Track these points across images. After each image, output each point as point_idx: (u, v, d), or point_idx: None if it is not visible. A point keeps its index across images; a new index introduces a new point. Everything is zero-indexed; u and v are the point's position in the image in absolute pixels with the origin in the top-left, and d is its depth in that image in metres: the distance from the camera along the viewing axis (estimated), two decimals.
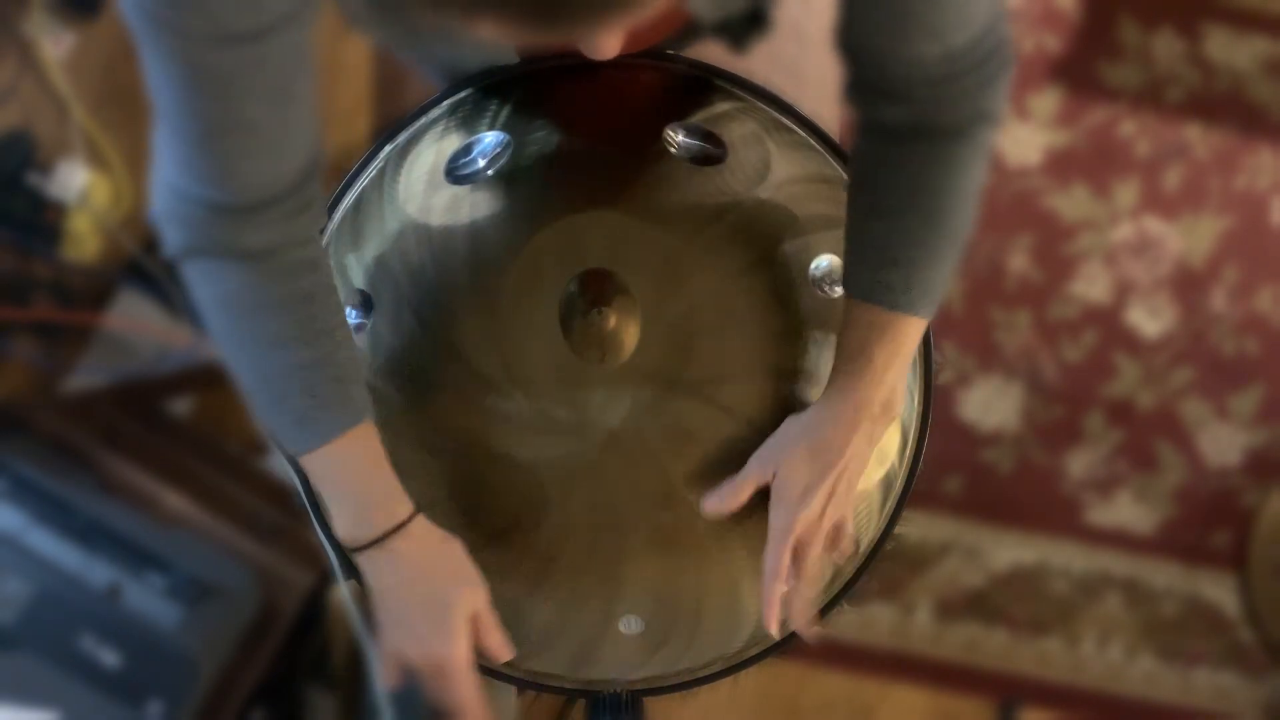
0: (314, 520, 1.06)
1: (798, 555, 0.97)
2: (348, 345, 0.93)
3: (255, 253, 0.88)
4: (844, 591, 1.06)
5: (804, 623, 1.00)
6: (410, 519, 0.94)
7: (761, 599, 0.98)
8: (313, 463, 0.93)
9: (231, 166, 0.85)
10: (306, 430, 0.92)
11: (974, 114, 0.91)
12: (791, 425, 0.97)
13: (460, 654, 0.95)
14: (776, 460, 0.97)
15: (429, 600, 0.95)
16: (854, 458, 0.96)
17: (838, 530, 0.99)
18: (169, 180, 0.88)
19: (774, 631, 0.99)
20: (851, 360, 0.95)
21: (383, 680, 0.98)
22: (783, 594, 0.97)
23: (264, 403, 0.92)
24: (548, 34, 0.63)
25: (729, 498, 0.98)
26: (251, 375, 0.92)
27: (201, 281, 0.90)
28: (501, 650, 0.98)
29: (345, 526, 0.94)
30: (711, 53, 1.11)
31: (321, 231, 0.96)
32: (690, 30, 1.13)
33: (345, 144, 2.08)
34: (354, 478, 0.94)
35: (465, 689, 0.96)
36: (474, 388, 0.99)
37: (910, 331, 0.95)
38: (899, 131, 0.92)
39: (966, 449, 2.26)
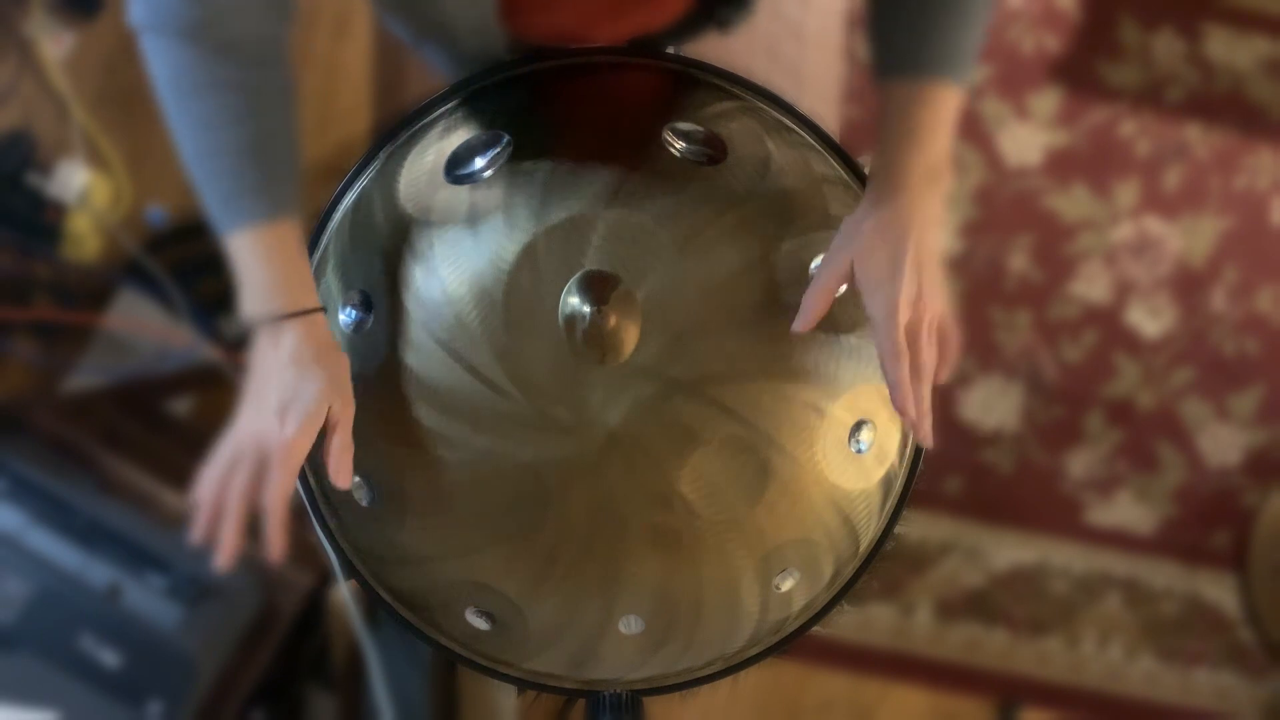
0: (314, 520, 1.06)
1: (909, 339, 0.95)
2: (282, 145, 0.96)
3: (206, 33, 0.92)
4: (844, 591, 1.06)
5: (927, 423, 0.96)
6: (312, 312, 0.96)
7: (890, 391, 0.94)
8: (234, 245, 0.96)
9: None
10: (230, 210, 0.95)
11: None
12: (849, 221, 0.97)
13: (293, 444, 0.93)
14: (848, 251, 0.96)
15: (294, 387, 0.94)
16: (926, 224, 0.95)
17: (943, 332, 0.97)
18: None
19: (911, 412, 0.95)
20: (895, 138, 0.95)
21: (207, 464, 0.96)
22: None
23: (198, 179, 0.96)
24: None
25: (813, 308, 0.96)
26: (190, 148, 0.96)
27: (156, 58, 0.95)
28: (339, 470, 0.96)
29: (250, 302, 0.96)
30: (712, 52, 1.11)
31: (285, 82, 0.98)
32: (687, 21, 1.13)
33: (345, 144, 2.08)
34: (270, 262, 0.96)
35: (281, 483, 0.94)
36: (474, 388, 0.99)
37: (948, 99, 0.95)
38: None
39: (966, 449, 2.26)
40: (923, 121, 0.95)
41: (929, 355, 0.96)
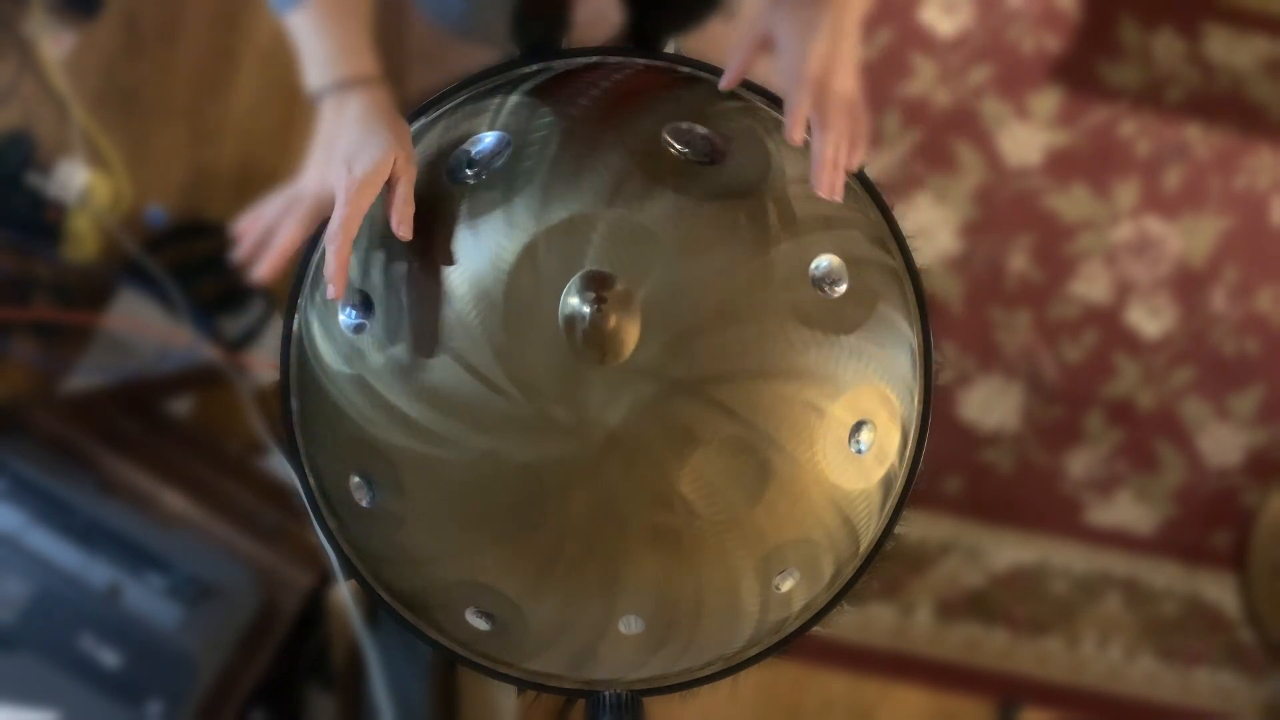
0: (314, 520, 1.06)
1: (820, 99, 0.98)
2: None
3: None
4: (844, 591, 1.06)
5: (827, 175, 0.99)
6: (375, 80, 0.98)
7: (787, 119, 0.98)
8: (294, 22, 0.97)
9: None
10: None
11: None
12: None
13: (362, 181, 0.95)
14: (770, 17, 0.99)
15: (360, 140, 0.96)
16: (851, 11, 0.98)
17: (853, 110, 0.99)
18: None
19: (799, 136, 0.98)
20: None
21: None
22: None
23: None
24: None
25: (735, 69, 1.00)
26: None
27: None
28: (403, 223, 0.97)
29: (314, 73, 0.97)
30: (712, 52, 1.11)
31: None
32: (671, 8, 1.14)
33: None
34: (329, 33, 0.97)
35: (346, 215, 0.95)
36: (473, 388, 0.99)
37: None
38: None
39: (966, 449, 2.26)
40: None
41: (830, 114, 0.99)
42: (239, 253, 0.98)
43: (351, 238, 0.96)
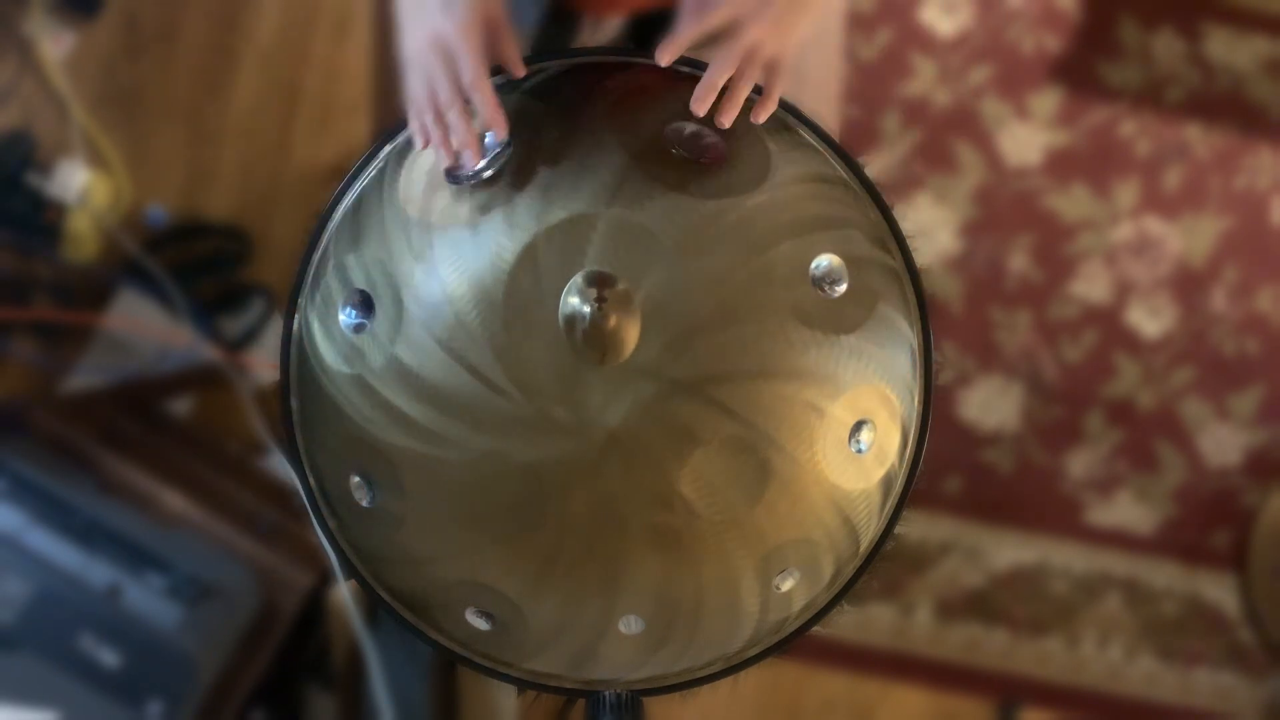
0: (314, 520, 1.06)
1: (729, 33, 0.97)
2: None
3: None
4: (844, 591, 1.06)
5: (708, 98, 0.97)
6: None
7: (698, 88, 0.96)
8: None
9: None
10: None
11: None
12: None
13: (467, 23, 0.95)
14: None
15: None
16: None
17: (770, 66, 0.99)
18: None
19: (700, 112, 0.98)
20: None
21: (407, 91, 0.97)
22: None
23: None
24: None
25: (673, 48, 0.98)
26: None
27: None
28: (515, 62, 0.97)
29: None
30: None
31: None
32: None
33: (345, 139, 2.08)
34: None
35: (473, 65, 0.95)
36: (473, 388, 0.99)
37: None
38: None
39: (966, 449, 2.26)
40: None
41: (742, 65, 0.98)
42: (441, 153, 0.97)
43: (488, 78, 0.96)
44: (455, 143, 0.97)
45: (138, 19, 2.19)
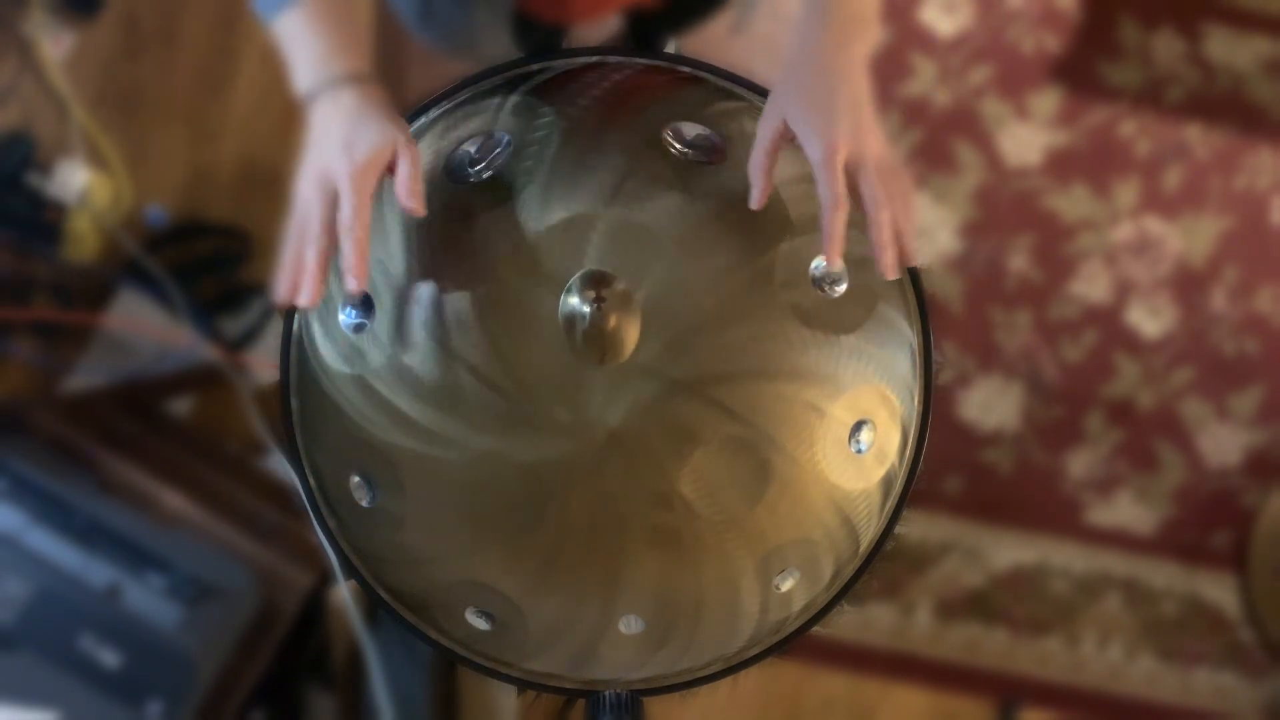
0: (314, 520, 1.06)
1: (851, 176, 0.92)
2: None
3: None
4: (844, 591, 1.06)
5: (888, 253, 0.92)
6: (368, 78, 0.95)
7: (824, 240, 0.91)
8: (282, 27, 0.95)
9: None
10: None
11: None
12: (782, 76, 0.95)
13: (364, 165, 0.92)
14: (782, 106, 0.93)
15: (356, 127, 0.93)
16: (854, 67, 0.93)
17: (891, 172, 0.93)
18: None
19: (836, 264, 0.93)
20: None
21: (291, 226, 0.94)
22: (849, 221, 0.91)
23: None
24: None
25: (761, 177, 0.92)
26: None
27: None
28: (414, 196, 0.93)
29: (303, 78, 0.94)
30: (712, 52, 1.11)
31: None
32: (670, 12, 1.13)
33: None
34: (320, 33, 0.95)
35: (354, 204, 0.92)
36: (473, 388, 0.99)
37: None
38: None
39: (966, 449, 2.26)
40: None
41: (877, 188, 0.93)
42: (280, 294, 0.93)
43: (367, 225, 0.93)
44: (306, 282, 0.93)
45: (138, 19, 2.19)
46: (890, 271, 0.93)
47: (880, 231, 0.92)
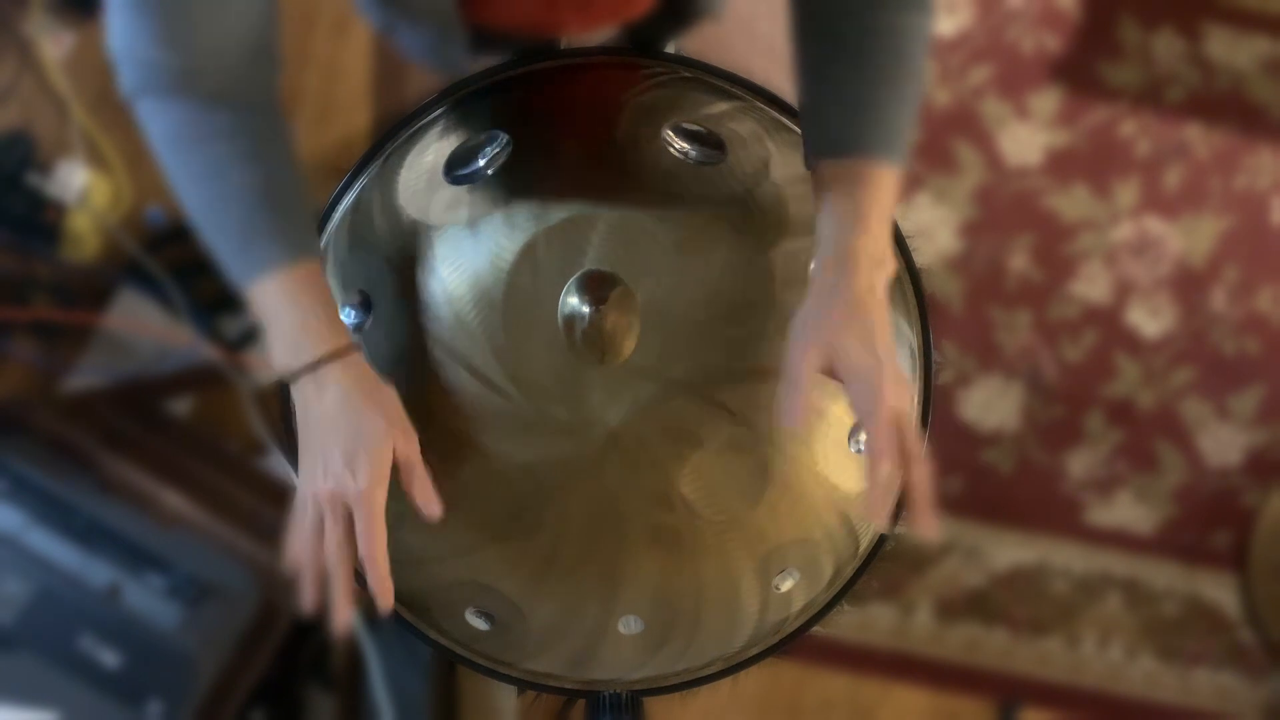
0: None
1: (900, 428, 0.91)
2: (291, 187, 0.94)
3: (198, 82, 0.91)
4: (844, 591, 1.06)
5: (930, 510, 0.93)
6: (348, 351, 0.93)
7: (869, 491, 0.91)
8: (256, 294, 0.93)
9: (179, 19, 0.88)
10: (248, 258, 0.93)
11: None
12: (803, 313, 0.93)
13: (373, 492, 0.91)
14: (816, 342, 0.92)
15: (353, 434, 0.91)
16: (882, 311, 0.93)
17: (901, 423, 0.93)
18: (123, 41, 0.92)
19: (885, 525, 0.92)
20: (840, 222, 0.92)
21: (293, 530, 0.93)
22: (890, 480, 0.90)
23: (209, 230, 0.94)
24: None
25: (795, 399, 0.92)
26: (197, 203, 0.94)
27: (153, 121, 0.94)
28: (429, 503, 0.94)
29: (281, 354, 0.93)
30: (712, 53, 1.11)
31: (282, 129, 0.96)
32: (666, 14, 1.13)
33: (345, 139, 2.08)
34: (295, 307, 0.93)
35: (372, 534, 0.91)
36: (474, 388, 0.99)
37: (887, 182, 0.93)
38: None
39: (966, 449, 2.26)
40: (868, 204, 0.92)
41: (916, 440, 0.93)
42: (305, 604, 0.92)
43: (384, 548, 0.92)
44: (338, 612, 0.92)
45: None
46: (874, 515, 0.92)
47: (876, 483, 0.91)
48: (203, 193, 0.93)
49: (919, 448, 0.93)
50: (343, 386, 0.92)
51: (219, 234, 0.94)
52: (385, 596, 0.92)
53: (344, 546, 0.92)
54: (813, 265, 0.94)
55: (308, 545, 0.92)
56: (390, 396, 0.94)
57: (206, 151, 0.92)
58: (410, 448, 0.93)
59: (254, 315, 0.95)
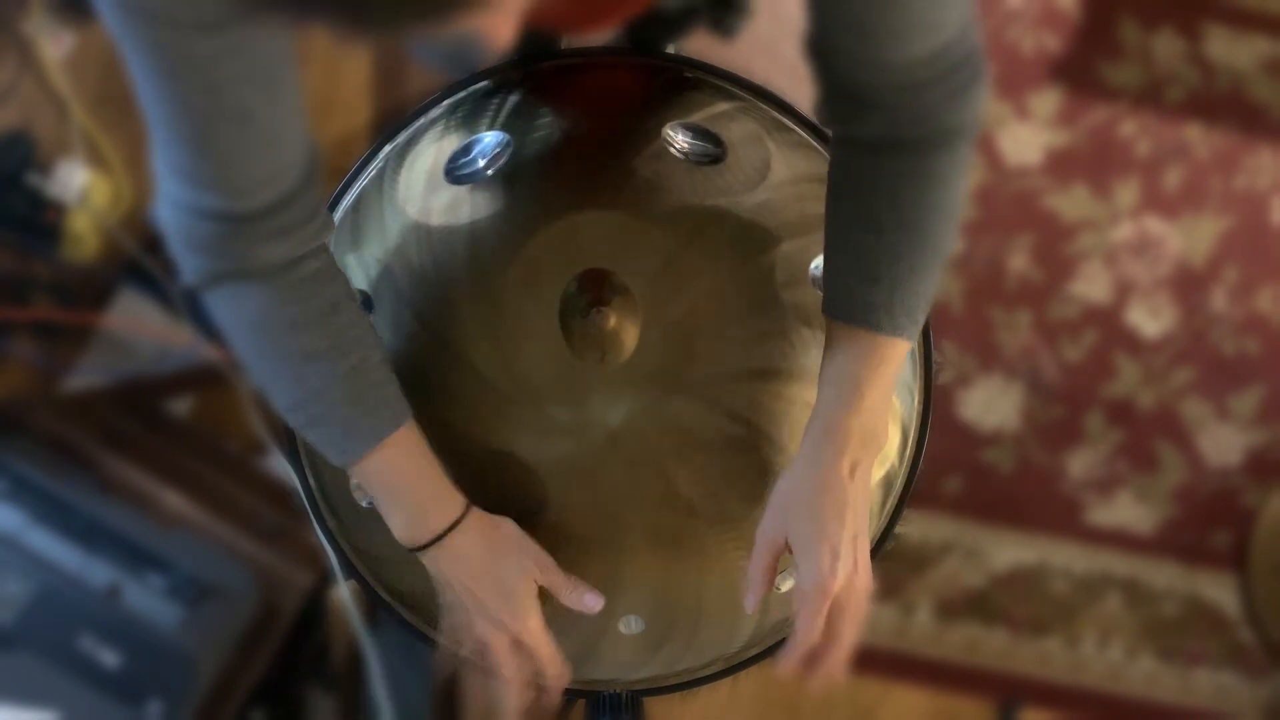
0: (314, 520, 1.06)
1: (833, 615, 0.93)
2: (378, 349, 0.94)
3: (275, 268, 0.88)
4: None
5: (839, 668, 0.96)
6: (464, 515, 0.96)
7: (788, 653, 0.94)
8: (364, 470, 0.94)
9: (230, 161, 0.84)
10: (354, 439, 0.93)
11: (948, 126, 0.89)
12: (785, 480, 0.95)
13: (535, 624, 0.98)
14: (785, 523, 0.94)
15: (497, 583, 0.97)
16: (862, 492, 0.94)
17: (858, 606, 0.96)
18: (174, 197, 0.88)
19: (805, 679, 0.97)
20: (838, 389, 0.93)
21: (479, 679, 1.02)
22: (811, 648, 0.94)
23: (307, 419, 0.93)
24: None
25: (757, 587, 0.95)
26: (291, 393, 0.93)
27: (227, 307, 0.92)
28: (587, 604, 1.00)
29: (401, 529, 0.96)
30: (711, 52, 1.11)
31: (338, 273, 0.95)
32: (665, 19, 1.12)
33: (346, 135, 2.08)
34: (405, 480, 0.95)
35: (546, 655, 0.99)
36: (474, 388, 0.99)
37: (894, 354, 0.94)
38: (874, 144, 0.90)
39: (966, 449, 2.26)
40: (867, 377, 0.92)
41: (850, 632, 0.95)
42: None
43: (559, 663, 1.01)
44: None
45: None
46: (784, 666, 0.95)
47: (795, 648, 0.94)
48: (299, 381, 0.92)
49: (852, 631, 0.95)
50: (474, 549, 0.97)
51: (320, 418, 0.93)
52: (563, 682, 1.02)
53: (518, 679, 1.01)
54: (803, 436, 0.94)
55: (503, 686, 1.01)
56: (510, 531, 0.98)
57: (298, 339, 0.91)
58: (547, 572, 0.99)
59: (358, 481, 0.99)
